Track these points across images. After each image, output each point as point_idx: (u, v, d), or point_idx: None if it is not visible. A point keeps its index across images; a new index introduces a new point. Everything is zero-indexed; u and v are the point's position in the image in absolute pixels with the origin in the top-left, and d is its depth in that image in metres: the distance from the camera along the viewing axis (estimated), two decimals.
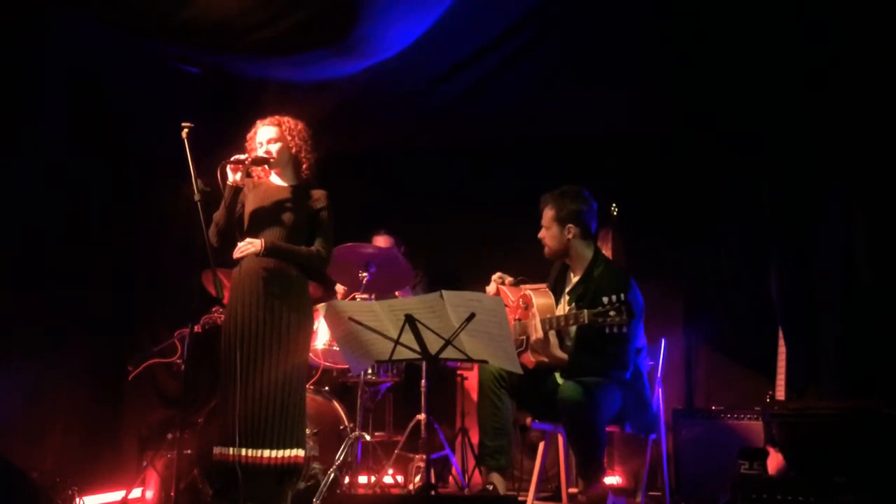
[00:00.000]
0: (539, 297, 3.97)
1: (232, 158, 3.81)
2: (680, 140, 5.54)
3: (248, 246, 3.79)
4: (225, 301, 3.88)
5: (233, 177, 3.82)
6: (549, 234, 4.04)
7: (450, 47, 4.86)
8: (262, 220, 3.87)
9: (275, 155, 3.93)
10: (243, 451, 3.64)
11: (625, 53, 4.87)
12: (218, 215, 3.84)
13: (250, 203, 3.93)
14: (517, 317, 4.03)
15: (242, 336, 3.74)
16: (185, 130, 3.71)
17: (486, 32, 4.76)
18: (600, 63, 4.96)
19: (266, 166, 3.95)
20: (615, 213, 5.26)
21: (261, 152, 3.92)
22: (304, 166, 3.98)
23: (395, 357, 3.31)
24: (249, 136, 4.02)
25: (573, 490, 4.09)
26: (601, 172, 5.52)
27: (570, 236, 3.99)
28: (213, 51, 4.70)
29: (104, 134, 4.99)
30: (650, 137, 5.60)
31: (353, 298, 4.69)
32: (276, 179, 4.02)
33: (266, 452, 3.66)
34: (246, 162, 3.84)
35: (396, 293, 5.16)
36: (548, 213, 4.04)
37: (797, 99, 4.48)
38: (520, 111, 5.56)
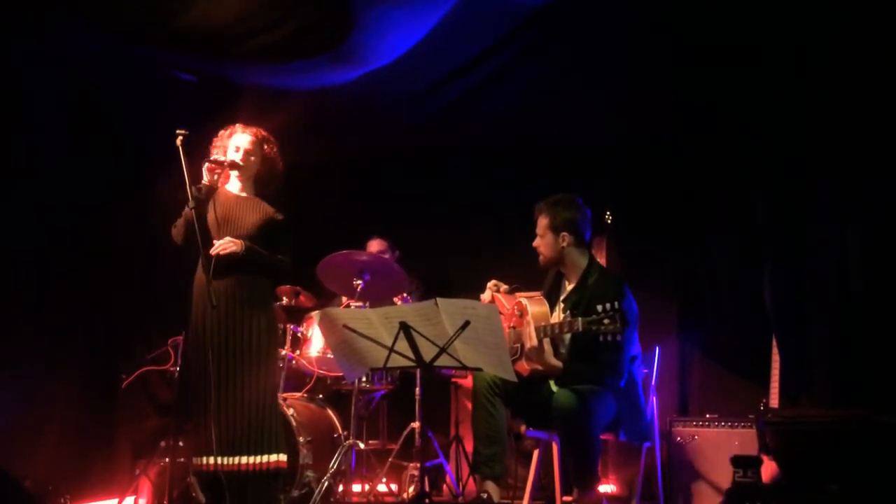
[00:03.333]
0: (534, 305, 3.98)
1: (212, 159, 3.86)
2: (674, 148, 5.55)
3: (229, 244, 3.82)
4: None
5: (208, 177, 3.85)
6: (543, 242, 4.05)
7: (445, 55, 4.87)
8: (229, 228, 3.91)
9: (240, 162, 3.98)
10: (224, 460, 3.67)
11: (619, 62, 4.89)
12: (189, 214, 3.81)
13: (215, 209, 3.95)
14: (512, 324, 4.04)
15: (218, 344, 3.76)
16: (180, 138, 3.73)
17: (482, 40, 4.77)
18: (595, 72, 4.98)
19: (234, 171, 4.00)
20: (609, 221, 5.26)
21: (237, 156, 3.97)
22: (262, 187, 4.05)
23: (389, 365, 3.31)
24: (224, 134, 4.03)
25: (567, 498, 4.08)
26: (596, 179, 5.53)
27: (564, 244, 4.00)
28: (209, 58, 4.70)
29: (100, 141, 4.99)
30: (644, 145, 5.61)
31: (348, 306, 4.68)
32: (234, 187, 4.06)
33: (250, 459, 3.70)
34: (225, 164, 3.90)
35: (396, 300, 5.14)
36: (542, 222, 4.04)
37: (792, 106, 4.49)
38: (515, 118, 5.57)
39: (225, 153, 3.99)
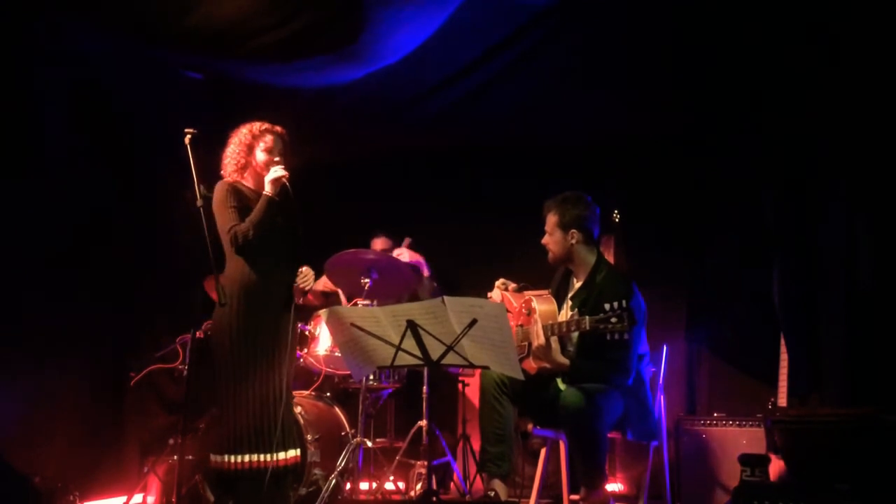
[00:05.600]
0: (542, 303, 3.98)
1: (286, 175, 3.84)
2: (682, 146, 5.54)
3: (311, 278, 4.00)
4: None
5: (271, 188, 3.85)
6: (552, 239, 4.05)
7: (453, 52, 4.86)
8: (270, 229, 3.88)
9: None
10: (266, 457, 3.72)
11: (625, 60, 4.88)
12: (256, 221, 3.81)
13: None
14: (520, 323, 4.04)
15: (266, 344, 3.81)
16: (188, 136, 3.73)
17: (489, 38, 4.76)
18: (602, 69, 4.97)
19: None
20: (617, 220, 5.25)
21: (279, 160, 3.96)
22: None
23: (396, 363, 3.32)
24: (254, 130, 3.96)
25: (575, 496, 4.08)
26: (604, 178, 5.52)
27: (572, 242, 4.00)
28: (216, 57, 4.71)
29: (107, 140, 5.00)
30: (652, 143, 5.60)
31: (355, 304, 4.69)
32: (250, 184, 4.02)
33: (284, 454, 3.78)
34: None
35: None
36: (551, 219, 4.04)
37: (799, 103, 4.48)
38: (522, 117, 5.56)
39: (252, 151, 3.94)
